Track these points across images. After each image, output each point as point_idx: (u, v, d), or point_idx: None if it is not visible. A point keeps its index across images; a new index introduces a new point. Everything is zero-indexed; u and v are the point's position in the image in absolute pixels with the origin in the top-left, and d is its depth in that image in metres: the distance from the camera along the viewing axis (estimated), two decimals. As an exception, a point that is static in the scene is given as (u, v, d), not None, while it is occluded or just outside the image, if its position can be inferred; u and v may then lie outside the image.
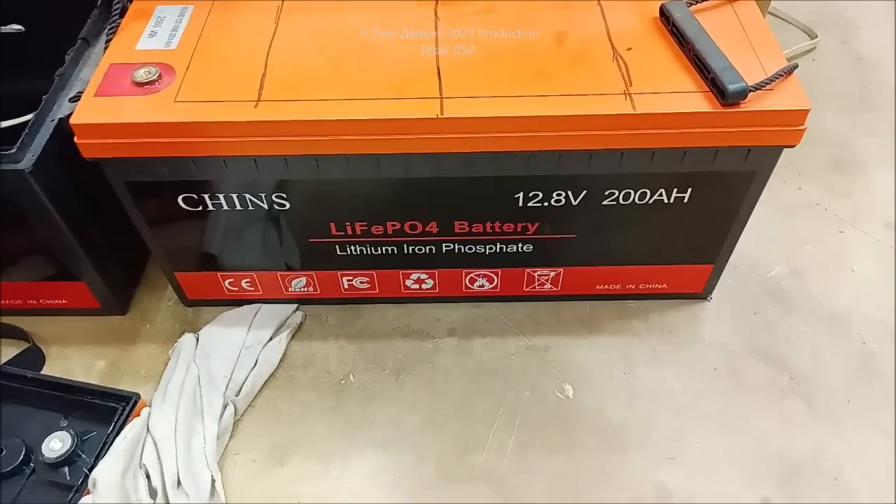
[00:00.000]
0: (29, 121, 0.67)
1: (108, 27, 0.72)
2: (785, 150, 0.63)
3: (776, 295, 0.82)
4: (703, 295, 0.81)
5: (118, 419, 0.66)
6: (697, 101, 0.60)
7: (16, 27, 0.84)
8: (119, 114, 0.60)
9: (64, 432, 0.65)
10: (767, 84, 0.60)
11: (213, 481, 0.64)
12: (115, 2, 0.73)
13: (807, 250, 0.86)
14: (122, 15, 0.72)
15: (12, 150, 0.63)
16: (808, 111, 0.60)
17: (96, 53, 0.74)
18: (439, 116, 0.59)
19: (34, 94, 0.69)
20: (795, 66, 0.62)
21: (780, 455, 0.69)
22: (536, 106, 0.60)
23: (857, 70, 1.11)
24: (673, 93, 0.61)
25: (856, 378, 0.75)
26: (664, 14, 0.67)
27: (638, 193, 0.67)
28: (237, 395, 0.71)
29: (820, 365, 0.76)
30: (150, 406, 0.69)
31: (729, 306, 0.81)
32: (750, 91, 0.59)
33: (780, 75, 0.61)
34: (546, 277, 0.78)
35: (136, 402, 0.68)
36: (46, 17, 0.80)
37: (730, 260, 0.78)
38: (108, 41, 0.69)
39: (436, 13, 0.69)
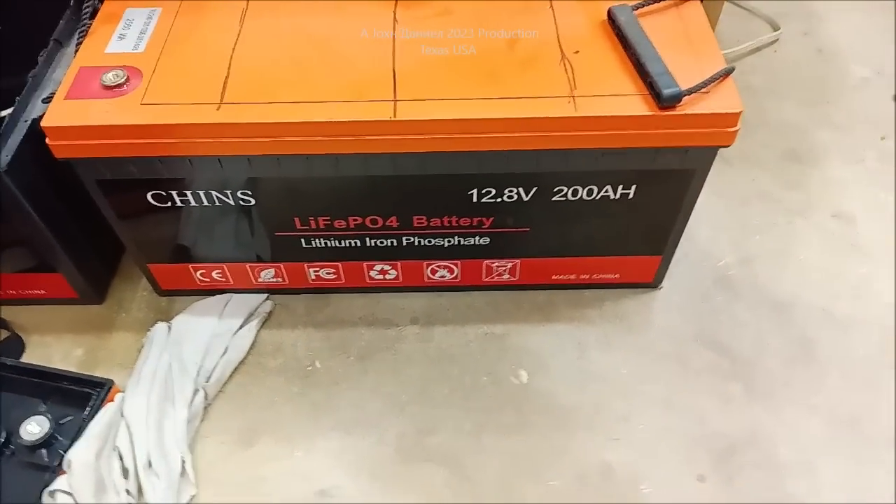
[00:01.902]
0: (2, 119, 0.70)
1: (80, 29, 0.75)
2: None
3: (724, 283, 0.86)
4: (653, 284, 0.85)
5: (93, 404, 0.70)
6: (636, 104, 0.63)
7: (-9, 26, 0.87)
8: (88, 116, 0.63)
9: (42, 416, 0.69)
10: (702, 88, 0.63)
11: (184, 462, 0.68)
12: (85, 4, 0.75)
13: (756, 240, 0.90)
14: (92, 16, 0.74)
15: (-13, 151, 0.66)
16: (740, 114, 0.63)
17: (68, 54, 0.77)
18: (393, 119, 0.63)
19: (6, 93, 0.72)
20: (732, 70, 0.65)
21: (719, 435, 0.74)
22: (484, 109, 0.63)
23: (817, 62, 1.14)
24: (614, 96, 0.64)
25: (794, 363, 0.79)
26: (611, 17, 0.70)
27: (585, 190, 0.71)
28: (207, 381, 0.75)
29: (761, 350, 0.80)
30: (124, 391, 0.73)
31: (679, 295, 0.85)
32: (684, 95, 0.62)
33: (716, 79, 0.64)
34: (504, 268, 0.81)
35: (110, 388, 0.72)
36: (19, 17, 0.82)
37: (682, 249, 0.82)
38: (78, 43, 0.72)
39: (395, 15, 0.72)
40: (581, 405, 0.77)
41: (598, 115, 0.63)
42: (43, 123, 0.64)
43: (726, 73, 0.65)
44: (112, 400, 0.71)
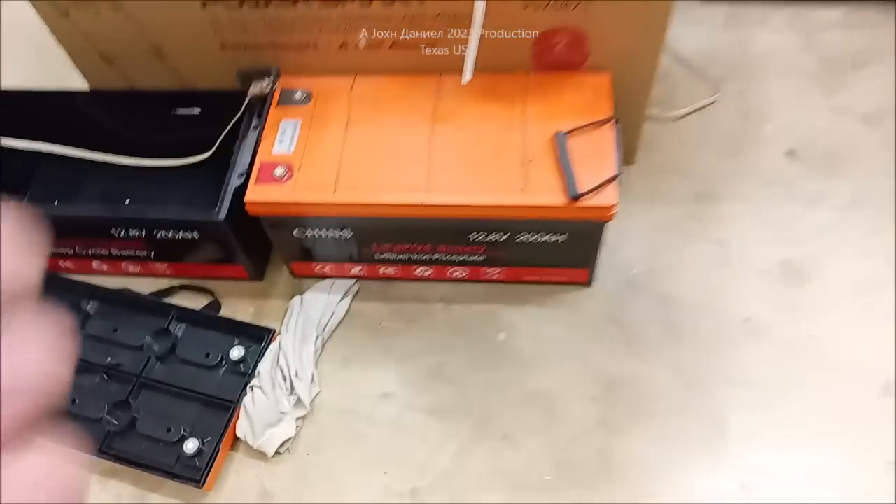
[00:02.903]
0: (190, 162, 1.28)
1: (257, 130, 1.32)
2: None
3: (632, 284, 1.37)
4: (587, 284, 1.38)
5: (265, 341, 1.31)
6: (558, 197, 1.16)
7: (196, 110, 1.45)
8: (268, 196, 1.21)
9: (239, 347, 1.30)
10: (595, 189, 1.15)
11: (313, 374, 1.29)
12: (258, 114, 1.32)
13: (659, 257, 1.41)
14: (261, 121, 1.31)
15: (215, 209, 1.25)
16: (615, 205, 1.15)
17: (247, 144, 1.33)
18: (425, 203, 1.18)
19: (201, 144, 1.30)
20: (618, 175, 1.17)
21: (608, 375, 1.27)
22: (474, 196, 1.17)
23: (742, 120, 1.58)
24: (546, 191, 1.17)
25: (662, 336, 1.32)
26: (554, 138, 1.21)
27: (536, 236, 1.24)
28: (323, 331, 1.34)
29: (644, 327, 1.33)
30: (279, 335, 1.33)
31: (602, 290, 1.37)
32: (581, 195, 1.14)
33: (604, 183, 1.15)
34: (494, 272, 1.36)
35: (273, 333, 1.32)
36: (208, 110, 1.40)
37: (610, 261, 1.35)
38: (257, 143, 1.29)
39: (430, 131, 1.26)
40: (532, 355, 1.32)
41: (535, 204, 1.16)
42: (246, 198, 1.21)
43: (613, 178, 1.17)
44: (275, 340, 1.32)
